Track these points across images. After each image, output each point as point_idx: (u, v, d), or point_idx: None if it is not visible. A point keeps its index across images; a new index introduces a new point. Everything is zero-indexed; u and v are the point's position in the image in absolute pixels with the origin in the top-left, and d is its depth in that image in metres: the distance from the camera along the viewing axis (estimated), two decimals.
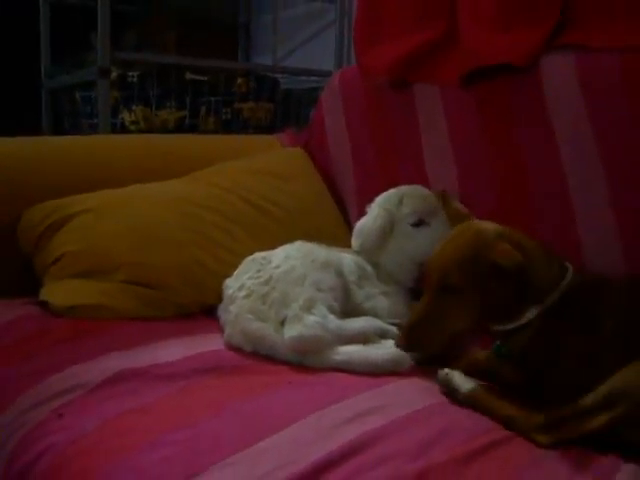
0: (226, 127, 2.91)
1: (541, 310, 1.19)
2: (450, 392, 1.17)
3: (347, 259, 1.60)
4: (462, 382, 1.16)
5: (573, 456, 0.98)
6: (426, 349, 1.25)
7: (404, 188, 1.69)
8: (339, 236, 1.81)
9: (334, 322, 1.34)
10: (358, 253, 1.65)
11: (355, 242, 1.66)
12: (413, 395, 1.15)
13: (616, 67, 1.38)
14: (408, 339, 1.23)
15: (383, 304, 1.57)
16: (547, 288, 1.19)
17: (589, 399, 1.02)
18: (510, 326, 1.22)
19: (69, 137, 2.48)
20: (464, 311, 1.20)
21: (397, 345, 1.24)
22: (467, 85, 1.66)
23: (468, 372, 1.21)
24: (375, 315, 1.51)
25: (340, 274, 1.50)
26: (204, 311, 1.58)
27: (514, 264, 1.13)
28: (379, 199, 1.69)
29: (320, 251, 1.52)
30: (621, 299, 1.18)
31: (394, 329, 1.42)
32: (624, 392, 0.98)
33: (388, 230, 1.63)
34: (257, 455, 0.93)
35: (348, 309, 1.48)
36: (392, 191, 1.70)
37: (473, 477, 0.91)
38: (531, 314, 1.19)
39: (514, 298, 1.18)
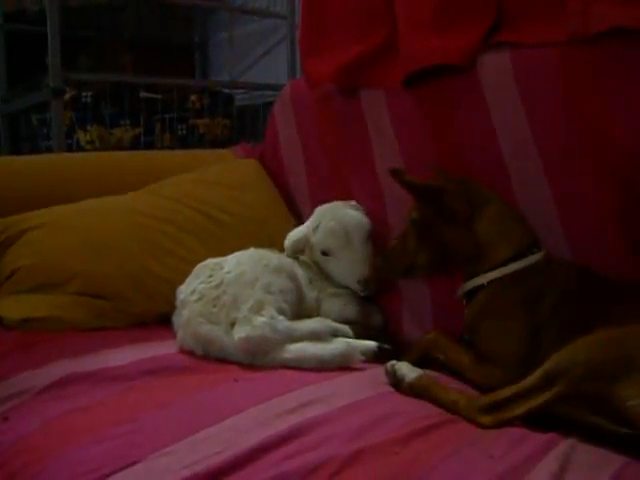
0: (182, 143, 2.92)
1: (497, 277, 1.29)
2: (396, 382, 1.19)
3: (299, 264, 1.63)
4: (408, 371, 1.19)
5: (512, 434, 1.00)
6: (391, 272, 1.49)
7: (327, 214, 1.68)
8: None
9: (283, 323, 1.34)
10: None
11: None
12: (358, 386, 1.17)
13: (546, 62, 1.41)
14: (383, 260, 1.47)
15: (334, 306, 1.60)
16: (498, 250, 1.30)
17: (529, 380, 1.04)
18: (469, 285, 1.33)
19: (24, 156, 2.47)
20: (424, 242, 1.39)
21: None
22: (409, 88, 1.68)
23: (419, 363, 1.24)
24: (328, 316, 1.53)
25: (293, 278, 1.52)
26: (158, 321, 1.59)
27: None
28: (315, 213, 1.72)
29: (272, 256, 1.53)
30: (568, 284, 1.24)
31: (346, 328, 1.43)
32: (561, 371, 1.00)
33: (302, 247, 1.67)
34: (195, 443, 0.94)
35: (302, 311, 1.50)
36: (319, 210, 1.72)
37: (410, 455, 0.92)
38: (490, 276, 1.29)
39: (465, 245, 1.33)
